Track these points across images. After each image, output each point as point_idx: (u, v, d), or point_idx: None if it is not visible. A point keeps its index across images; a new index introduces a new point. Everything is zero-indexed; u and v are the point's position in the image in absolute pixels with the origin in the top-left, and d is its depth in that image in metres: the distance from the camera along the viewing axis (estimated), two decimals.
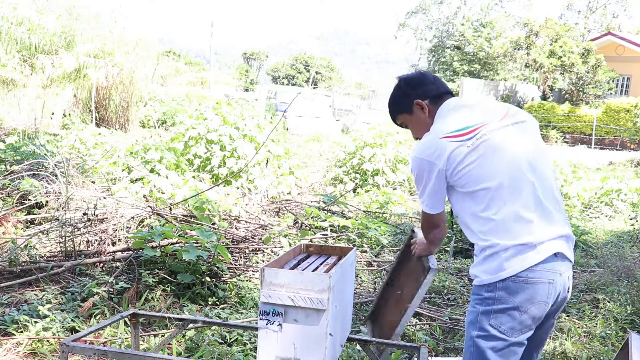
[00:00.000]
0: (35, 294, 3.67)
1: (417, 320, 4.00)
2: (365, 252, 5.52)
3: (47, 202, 5.40)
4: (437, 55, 34.98)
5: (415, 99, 2.22)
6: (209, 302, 3.94)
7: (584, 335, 3.88)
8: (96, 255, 4.34)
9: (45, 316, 3.30)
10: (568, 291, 2.05)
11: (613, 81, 25.81)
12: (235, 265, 4.66)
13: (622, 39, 27.07)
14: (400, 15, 38.89)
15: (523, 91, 26.95)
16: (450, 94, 2.24)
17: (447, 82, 32.26)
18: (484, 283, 2.00)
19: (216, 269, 4.34)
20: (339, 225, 5.94)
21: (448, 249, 5.69)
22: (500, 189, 1.99)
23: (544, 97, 26.33)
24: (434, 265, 2.40)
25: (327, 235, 5.65)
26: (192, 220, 5.25)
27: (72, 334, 3.21)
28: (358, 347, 3.35)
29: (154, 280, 4.00)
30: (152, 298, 3.86)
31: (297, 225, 6.11)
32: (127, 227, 4.82)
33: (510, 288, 1.95)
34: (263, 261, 4.86)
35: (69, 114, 13.25)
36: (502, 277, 1.96)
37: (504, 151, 2.01)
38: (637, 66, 26.38)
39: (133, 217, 4.92)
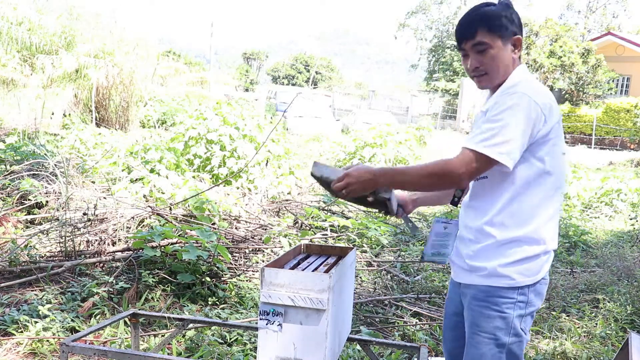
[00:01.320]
0: (35, 294, 3.67)
1: (417, 320, 4.00)
2: (365, 252, 5.52)
3: (47, 202, 5.40)
4: (437, 55, 34.98)
5: (518, 34, 1.87)
6: (209, 302, 3.94)
7: (584, 335, 3.88)
8: (96, 255, 4.34)
9: (45, 316, 3.30)
10: None
11: (613, 81, 25.82)
12: (235, 265, 4.66)
13: (622, 39, 27.09)
14: (400, 15, 38.90)
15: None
16: None
17: (447, 82, 32.35)
18: (518, 285, 1.82)
19: (216, 269, 4.34)
20: (339, 225, 5.94)
21: None
22: (561, 181, 1.85)
23: None
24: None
25: (327, 235, 5.65)
26: (192, 220, 5.25)
27: (72, 334, 3.21)
28: (358, 347, 3.35)
29: (154, 280, 4.00)
30: (152, 298, 3.86)
31: (297, 225, 6.11)
32: (127, 227, 4.82)
33: (538, 290, 1.86)
34: (263, 261, 4.86)
35: (69, 114, 13.24)
36: (536, 279, 1.84)
37: (563, 143, 1.88)
38: (637, 66, 26.39)
39: (133, 217, 4.92)
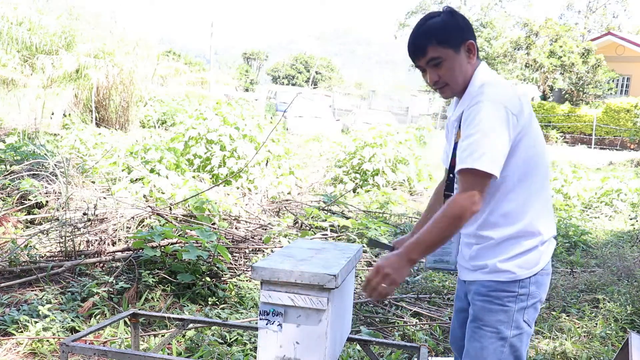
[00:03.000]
0: (35, 294, 3.67)
1: (417, 320, 4.00)
2: (365, 252, 5.52)
3: (47, 202, 5.40)
4: None
5: (468, 38, 1.88)
6: (209, 302, 3.94)
7: (584, 335, 3.88)
8: (96, 255, 4.34)
9: (45, 316, 3.30)
10: None
11: (613, 81, 25.82)
12: (235, 265, 4.66)
13: (622, 39, 27.09)
14: (400, 15, 38.86)
15: (523, 91, 26.96)
16: None
17: None
18: (518, 279, 1.86)
19: (216, 269, 4.34)
20: (339, 225, 5.94)
21: None
22: (546, 170, 1.90)
23: (544, 97, 26.33)
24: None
25: (327, 235, 5.65)
26: (192, 220, 5.25)
27: (72, 334, 3.21)
28: (358, 347, 3.35)
29: (154, 280, 4.00)
30: (152, 298, 3.86)
31: (297, 225, 6.11)
32: (127, 227, 4.82)
33: (539, 282, 1.89)
34: None
35: (69, 114, 13.24)
36: (535, 271, 1.87)
37: (540, 133, 1.92)
38: (637, 66, 26.39)
39: (133, 217, 4.92)
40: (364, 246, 5.66)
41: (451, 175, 2.01)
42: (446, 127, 2.13)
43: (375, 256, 5.52)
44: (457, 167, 1.79)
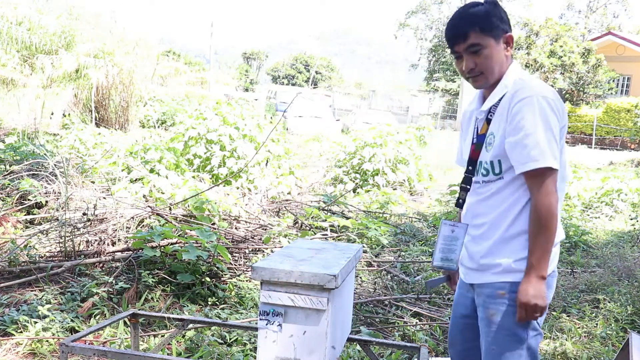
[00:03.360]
0: (35, 294, 3.66)
1: (418, 321, 3.99)
2: (365, 252, 5.51)
3: (46, 202, 5.39)
4: (438, 55, 34.97)
5: (508, 31, 1.90)
6: (209, 302, 3.94)
7: (585, 336, 3.87)
8: (96, 256, 4.34)
9: (45, 316, 3.30)
10: None
11: (613, 81, 25.82)
12: (235, 265, 4.65)
13: (622, 39, 27.09)
14: (400, 15, 38.84)
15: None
16: None
17: (447, 82, 32.35)
18: None
19: (216, 269, 4.34)
20: (339, 225, 5.93)
21: None
22: (567, 172, 1.90)
23: None
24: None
25: (327, 235, 5.65)
26: (192, 220, 5.24)
27: (71, 334, 3.21)
28: (358, 347, 3.35)
29: (154, 280, 4.00)
30: (151, 298, 3.85)
31: (297, 225, 6.11)
32: (126, 227, 4.82)
33: (549, 283, 1.87)
34: None
35: (69, 114, 13.24)
36: (549, 272, 1.85)
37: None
38: (638, 66, 26.39)
39: (133, 217, 4.91)
40: (364, 246, 5.66)
41: (470, 167, 1.99)
42: (464, 120, 2.12)
43: (375, 256, 5.52)
44: (523, 169, 1.78)
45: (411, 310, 4.14)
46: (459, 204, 2.05)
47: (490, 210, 1.90)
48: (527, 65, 25.61)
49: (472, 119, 2.05)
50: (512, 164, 1.82)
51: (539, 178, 1.77)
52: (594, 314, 4.23)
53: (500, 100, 1.88)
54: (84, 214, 4.84)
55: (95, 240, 4.56)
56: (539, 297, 1.77)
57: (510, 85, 1.85)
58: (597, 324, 4.04)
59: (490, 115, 1.91)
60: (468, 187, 1.99)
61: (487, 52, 1.86)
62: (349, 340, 2.57)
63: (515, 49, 25.86)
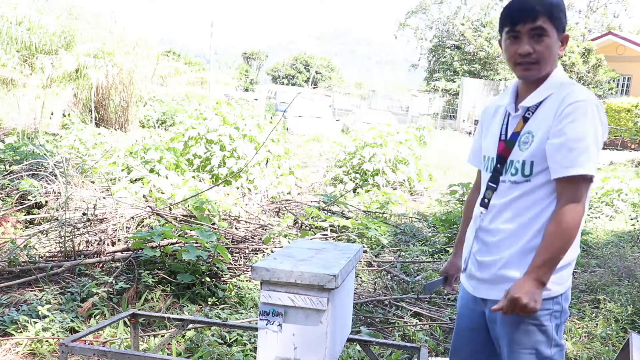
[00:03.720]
0: (35, 294, 3.66)
1: (418, 321, 3.99)
2: (365, 252, 5.50)
3: (46, 202, 5.39)
4: (438, 55, 34.96)
5: (565, 30, 1.81)
6: (209, 302, 3.93)
7: (585, 336, 3.87)
8: (96, 256, 4.33)
9: (45, 316, 3.29)
10: None
11: (613, 81, 25.81)
12: (235, 265, 4.65)
13: (622, 39, 27.07)
14: (400, 15, 38.84)
15: None
16: None
17: (447, 82, 32.34)
18: (553, 296, 1.76)
19: (216, 269, 4.34)
20: (339, 226, 5.93)
21: (449, 248, 5.68)
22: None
23: None
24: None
25: (327, 235, 5.64)
26: (191, 220, 5.24)
27: (71, 334, 3.21)
28: (358, 347, 3.34)
29: (154, 280, 4.00)
30: (151, 298, 3.85)
31: (297, 225, 6.11)
32: (126, 227, 4.82)
33: (567, 295, 1.81)
34: None
35: (69, 114, 13.24)
36: (567, 286, 1.79)
37: None
38: (638, 66, 26.38)
39: (133, 217, 4.91)
40: (364, 246, 5.66)
41: (498, 165, 1.85)
42: (486, 116, 2.01)
43: (375, 256, 5.52)
44: (564, 173, 1.68)
45: (411, 310, 4.14)
46: (485, 203, 1.89)
47: (513, 216, 1.79)
48: None
49: (498, 115, 1.94)
50: (548, 167, 1.72)
51: (575, 185, 1.68)
52: (594, 314, 4.23)
53: (543, 100, 1.78)
54: (84, 214, 4.84)
55: (95, 240, 4.55)
56: (531, 299, 1.65)
57: (557, 87, 1.77)
58: (597, 324, 4.04)
59: (528, 114, 1.81)
60: (495, 186, 1.86)
61: (549, 41, 1.75)
62: (349, 340, 2.56)
63: None
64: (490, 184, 1.87)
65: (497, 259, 1.81)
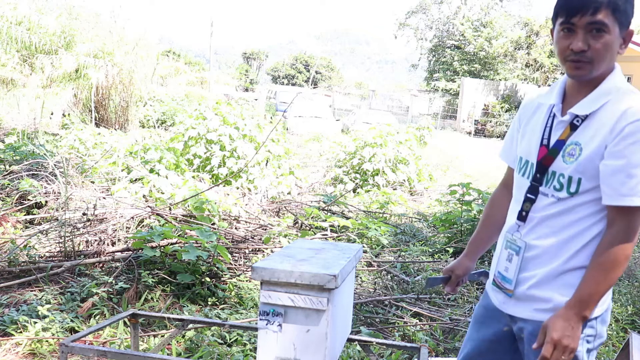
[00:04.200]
0: (35, 294, 3.66)
1: (418, 321, 3.99)
2: (365, 252, 5.50)
3: (46, 202, 5.39)
4: (438, 55, 34.98)
5: (630, 26, 1.58)
6: (209, 303, 3.93)
7: None
8: (95, 256, 4.33)
9: (45, 316, 3.29)
10: None
11: None
12: (235, 265, 4.65)
13: None
14: (400, 14, 38.86)
15: (524, 91, 26.96)
16: None
17: (447, 82, 32.35)
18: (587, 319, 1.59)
19: (216, 269, 4.34)
20: (339, 226, 5.93)
21: (449, 249, 5.68)
22: None
23: None
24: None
25: (327, 235, 5.64)
26: (191, 220, 5.24)
27: (71, 334, 3.21)
28: (358, 347, 3.34)
29: (154, 280, 3.99)
30: (151, 298, 3.85)
31: (297, 225, 6.11)
32: (126, 227, 4.82)
33: (604, 318, 1.64)
34: None
35: (69, 114, 13.24)
36: (605, 308, 1.63)
37: None
38: (638, 66, 26.37)
39: (133, 217, 4.91)
40: (364, 246, 5.66)
41: (538, 175, 1.67)
42: (526, 111, 1.81)
43: (375, 256, 5.52)
44: (618, 202, 1.51)
45: (411, 311, 4.14)
46: (522, 217, 1.71)
47: (551, 232, 1.62)
48: (528, 65, 25.65)
49: (540, 113, 1.75)
50: (596, 185, 1.55)
51: (630, 215, 1.51)
52: None
53: (598, 109, 1.59)
54: (84, 214, 4.84)
55: (95, 240, 4.55)
56: (572, 338, 1.50)
57: (614, 95, 1.59)
58: None
59: (577, 121, 1.61)
60: (534, 197, 1.68)
61: (608, 38, 1.53)
62: (349, 340, 2.56)
63: (515, 48, 25.92)
64: (528, 195, 1.70)
65: (529, 275, 1.67)
